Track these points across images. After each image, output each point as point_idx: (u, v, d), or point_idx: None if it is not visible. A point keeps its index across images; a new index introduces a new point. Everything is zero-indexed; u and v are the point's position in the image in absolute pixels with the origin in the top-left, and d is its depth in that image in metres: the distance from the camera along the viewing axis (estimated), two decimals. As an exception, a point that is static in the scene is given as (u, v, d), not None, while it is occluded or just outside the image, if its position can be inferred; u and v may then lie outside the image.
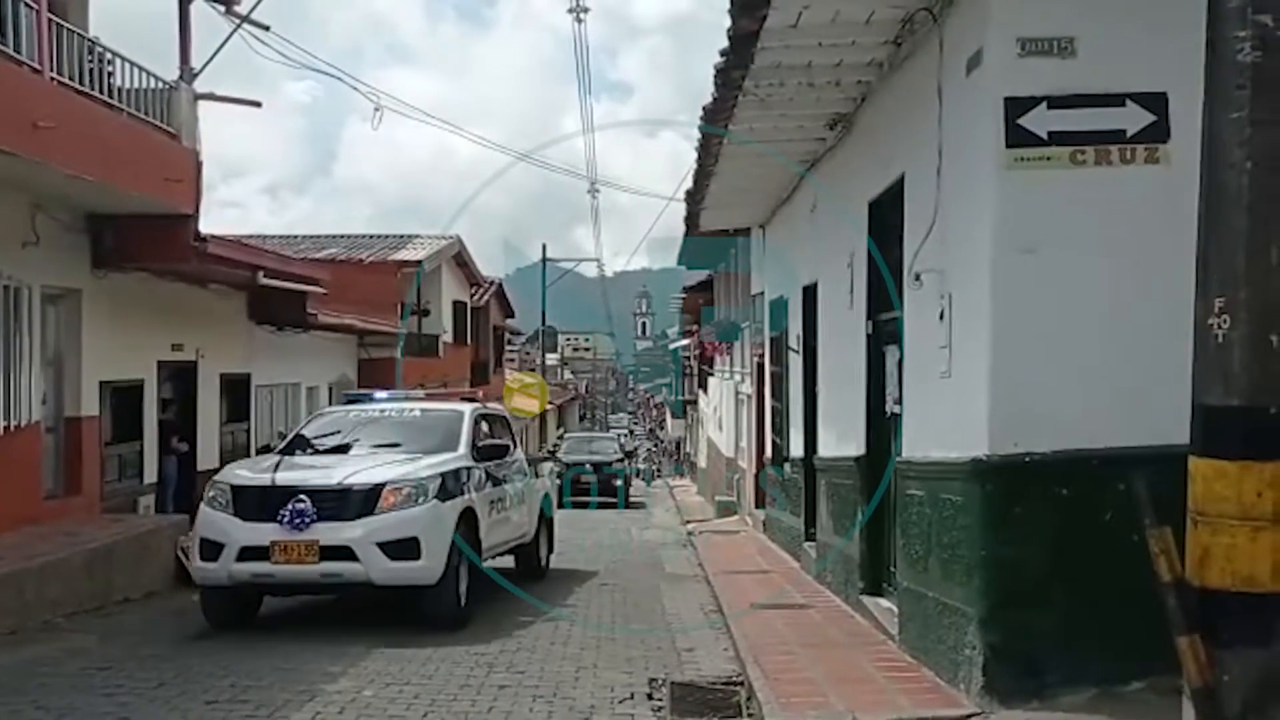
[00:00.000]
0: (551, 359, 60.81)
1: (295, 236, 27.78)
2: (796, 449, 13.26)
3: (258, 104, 13.76)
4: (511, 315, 41.43)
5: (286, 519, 8.57)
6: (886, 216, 8.67)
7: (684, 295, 30.90)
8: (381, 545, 8.63)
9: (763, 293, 16.95)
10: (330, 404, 21.83)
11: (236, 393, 17.00)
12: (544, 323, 46.93)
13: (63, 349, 12.31)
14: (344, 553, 8.62)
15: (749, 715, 6.42)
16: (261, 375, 17.88)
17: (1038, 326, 5.90)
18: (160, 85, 12.41)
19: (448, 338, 29.03)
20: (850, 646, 7.87)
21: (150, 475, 14.15)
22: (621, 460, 30.38)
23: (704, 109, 9.94)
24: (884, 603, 8.65)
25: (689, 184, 13.76)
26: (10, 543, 10.00)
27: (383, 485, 8.82)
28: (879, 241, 8.96)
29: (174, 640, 8.62)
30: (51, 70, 10.08)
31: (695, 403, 38.92)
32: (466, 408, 11.22)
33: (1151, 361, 5.70)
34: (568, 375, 79.01)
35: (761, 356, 17.36)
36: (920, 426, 7.31)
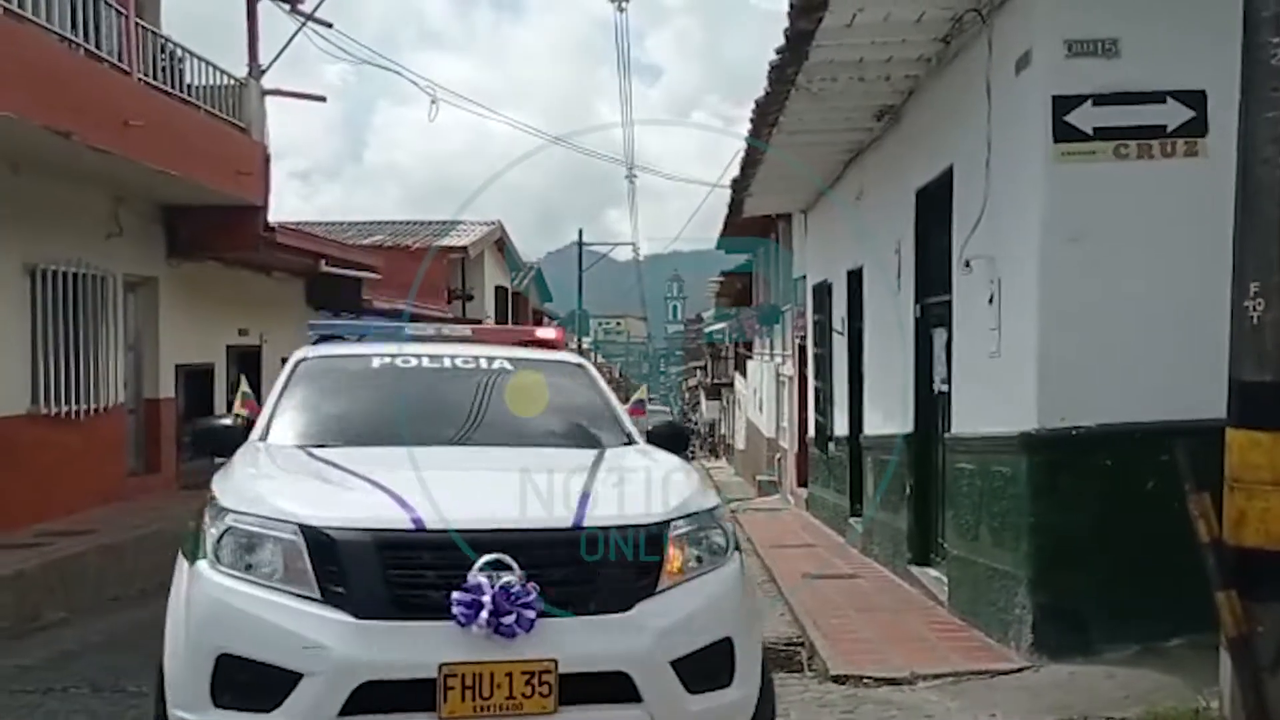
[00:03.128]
0: (587, 343, 61.42)
1: (341, 223, 28.41)
2: (841, 428, 13.71)
3: (322, 99, 14.33)
4: (550, 299, 41.98)
5: (477, 614, 3.66)
6: (934, 205, 9.09)
7: (722, 279, 31.30)
8: (681, 665, 3.92)
9: (804, 276, 17.35)
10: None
11: (296, 376, 17.61)
12: (580, 306, 47.47)
13: (141, 334, 12.94)
14: (609, 686, 3.83)
15: (812, 671, 6.91)
16: (319, 359, 18.49)
17: (1082, 309, 6.33)
18: (230, 81, 12.97)
19: (490, 322, 29.62)
20: (901, 611, 8.34)
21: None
22: None
23: (756, 102, 10.38)
24: (932, 572, 9.11)
25: (731, 170, 14.22)
26: (102, 516, 10.65)
27: (663, 526, 4.07)
28: (927, 229, 9.39)
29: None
30: (138, 70, 10.65)
31: (731, 385, 39.37)
32: (575, 358, 6.68)
33: (1187, 342, 6.14)
34: (599, 359, 79.55)
35: (803, 339, 17.79)
36: (970, 404, 7.76)
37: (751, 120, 11.15)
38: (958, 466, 7.86)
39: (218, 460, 4.88)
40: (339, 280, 16.94)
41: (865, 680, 6.32)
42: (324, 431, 5.07)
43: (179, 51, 12.30)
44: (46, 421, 10.51)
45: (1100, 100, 6.30)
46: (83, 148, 9.38)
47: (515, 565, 3.70)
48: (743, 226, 22.26)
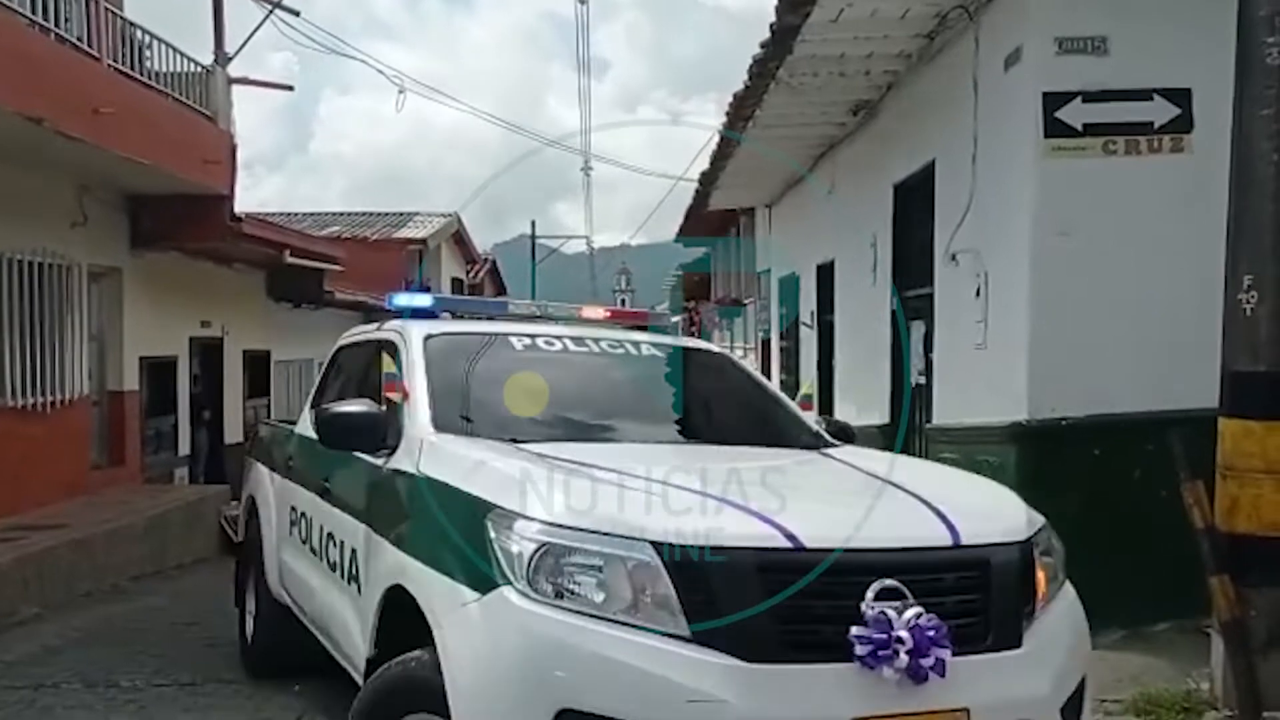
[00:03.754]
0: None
1: (296, 214, 28.09)
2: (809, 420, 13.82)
3: (290, 88, 14.20)
4: (504, 292, 41.82)
5: (891, 655, 2.97)
6: (913, 199, 9.22)
7: (680, 273, 31.35)
8: (1066, 711, 3.40)
9: (769, 270, 17.47)
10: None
11: (257, 368, 17.41)
12: (534, 299, 47.24)
13: (105, 326, 12.71)
14: None
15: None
16: (280, 351, 18.31)
17: (1071, 302, 6.46)
18: (196, 69, 12.77)
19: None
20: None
21: (184, 448, 14.61)
22: None
23: (735, 96, 10.45)
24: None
25: (696, 165, 14.31)
26: (70, 510, 10.46)
27: (1030, 543, 3.52)
28: (905, 223, 9.52)
29: (243, 600, 9.07)
30: (107, 56, 10.46)
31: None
32: (713, 345, 6.92)
33: (1174, 334, 6.29)
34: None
35: (767, 332, 17.91)
36: (953, 395, 7.88)
37: (727, 114, 11.21)
38: (940, 456, 7.95)
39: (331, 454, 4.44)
40: (301, 272, 16.74)
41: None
42: (506, 424, 4.17)
43: (144, 37, 12.10)
44: (12, 414, 10.30)
45: (1090, 97, 6.43)
46: (52, 135, 9.20)
47: (909, 593, 3.00)
48: (703, 221, 22.39)
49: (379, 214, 28.38)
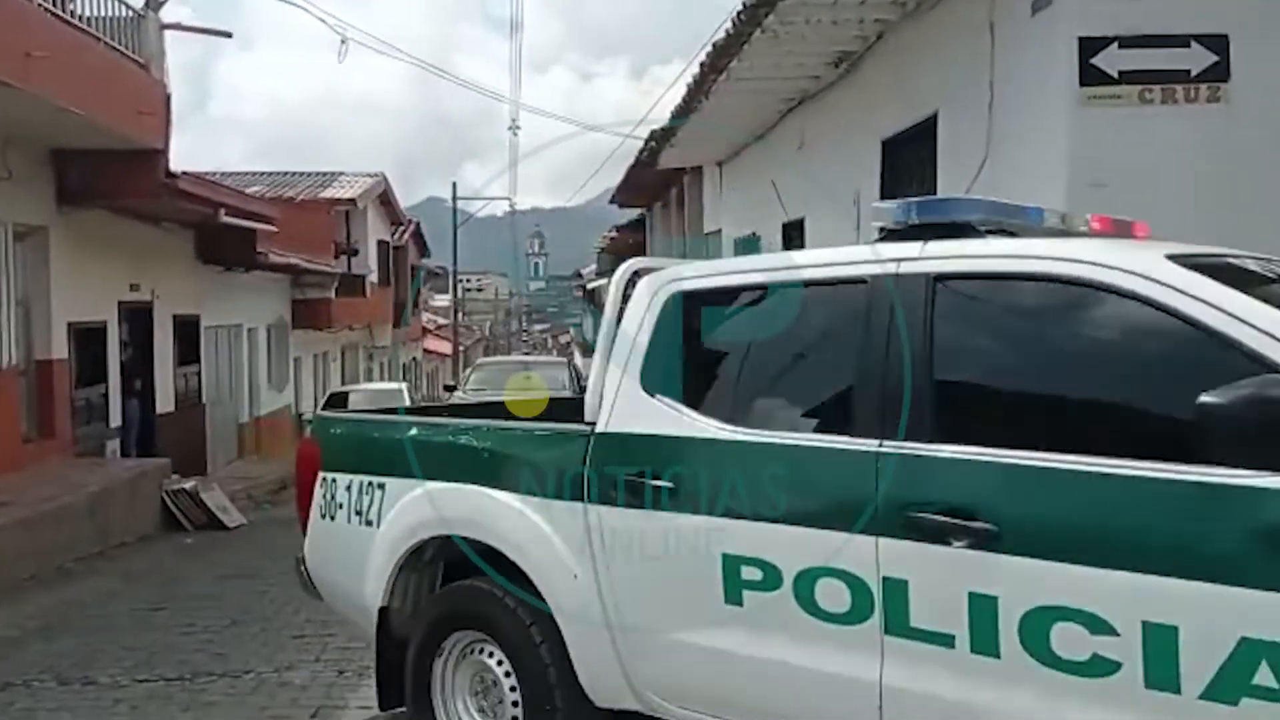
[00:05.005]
0: (444, 300, 60.39)
1: (215, 173, 26.96)
2: (772, 383, 13.57)
3: (228, 34, 13.28)
4: (428, 254, 41.00)
5: None
6: (906, 154, 8.90)
7: (614, 234, 30.87)
8: None
9: (719, 230, 17.12)
10: (270, 344, 21.42)
11: (187, 334, 16.58)
12: (455, 263, 46.42)
13: (30, 290, 11.89)
14: None
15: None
16: (210, 316, 17.48)
17: (1107, 257, 6.20)
18: (127, 13, 11.93)
19: (373, 277, 28.63)
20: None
21: (115, 419, 13.82)
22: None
23: (714, 45, 10.03)
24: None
25: (619, 122, 13.81)
26: (7, 487, 9.74)
27: None
28: (895, 178, 9.21)
29: (205, 580, 8.53)
30: (37, -4, 9.65)
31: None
32: None
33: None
34: (463, 317, 78.38)
35: (718, 293, 17.55)
36: (963, 355, 7.61)
37: (702, 65, 10.79)
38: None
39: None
40: (233, 233, 15.92)
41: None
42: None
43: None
44: (-62, 385, 9.54)
45: (1126, 43, 6.14)
46: (-20, 80, 8.44)
47: None
48: (640, 182, 21.97)
49: (302, 173, 27.39)
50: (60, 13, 9.93)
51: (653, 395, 3.48)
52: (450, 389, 18.98)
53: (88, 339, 13.11)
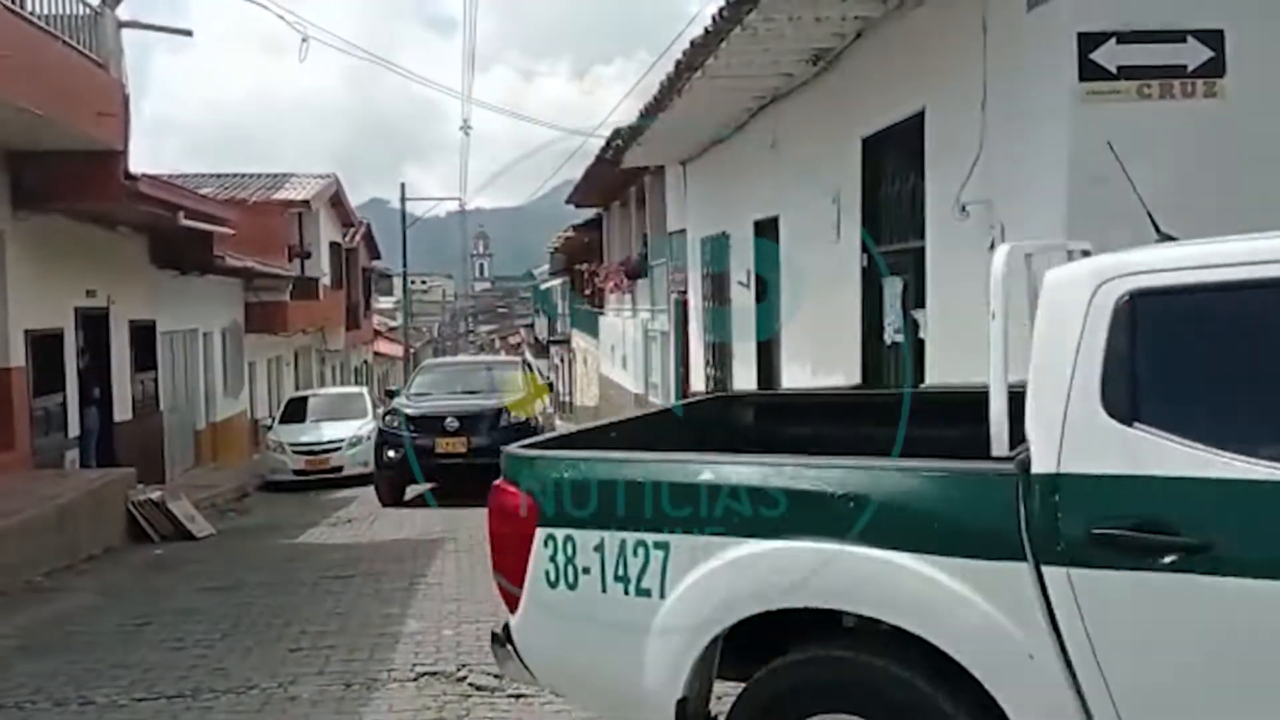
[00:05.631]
0: (388, 302, 59.82)
1: (162, 176, 26.44)
2: (745, 381, 13.55)
3: (189, 33, 13.00)
4: (378, 257, 40.57)
5: None
6: (889, 152, 8.91)
7: (570, 234, 30.72)
8: None
9: (684, 230, 17.08)
10: (224, 349, 21.03)
11: (143, 340, 16.21)
12: (405, 264, 45.92)
13: (-14, 296, 11.54)
14: None
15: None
16: (165, 321, 17.10)
17: (1109, 252, 6.21)
18: (84, 10, 11.60)
19: (326, 280, 28.24)
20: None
21: (74, 428, 13.46)
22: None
23: (691, 43, 9.98)
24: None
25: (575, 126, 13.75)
26: (-32, 501, 9.43)
27: None
28: (876, 176, 9.21)
29: (186, 593, 8.31)
30: (-6, -7, 9.34)
31: (568, 342, 38.95)
32: None
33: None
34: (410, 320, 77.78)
35: (683, 293, 17.53)
36: (957, 355, 7.58)
37: (678, 63, 10.74)
38: (943, 417, 7.70)
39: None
40: (190, 235, 15.58)
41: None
42: None
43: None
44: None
45: (1124, 38, 6.16)
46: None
47: None
48: (598, 182, 21.89)
49: (253, 175, 26.96)
50: (18, 10, 9.63)
51: (1129, 424, 2.77)
52: (392, 394, 17.05)
53: (45, 346, 12.76)
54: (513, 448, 3.66)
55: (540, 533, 3.39)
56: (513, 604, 3.52)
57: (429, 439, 13.74)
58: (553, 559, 3.37)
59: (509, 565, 3.52)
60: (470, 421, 14.04)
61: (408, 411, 14.41)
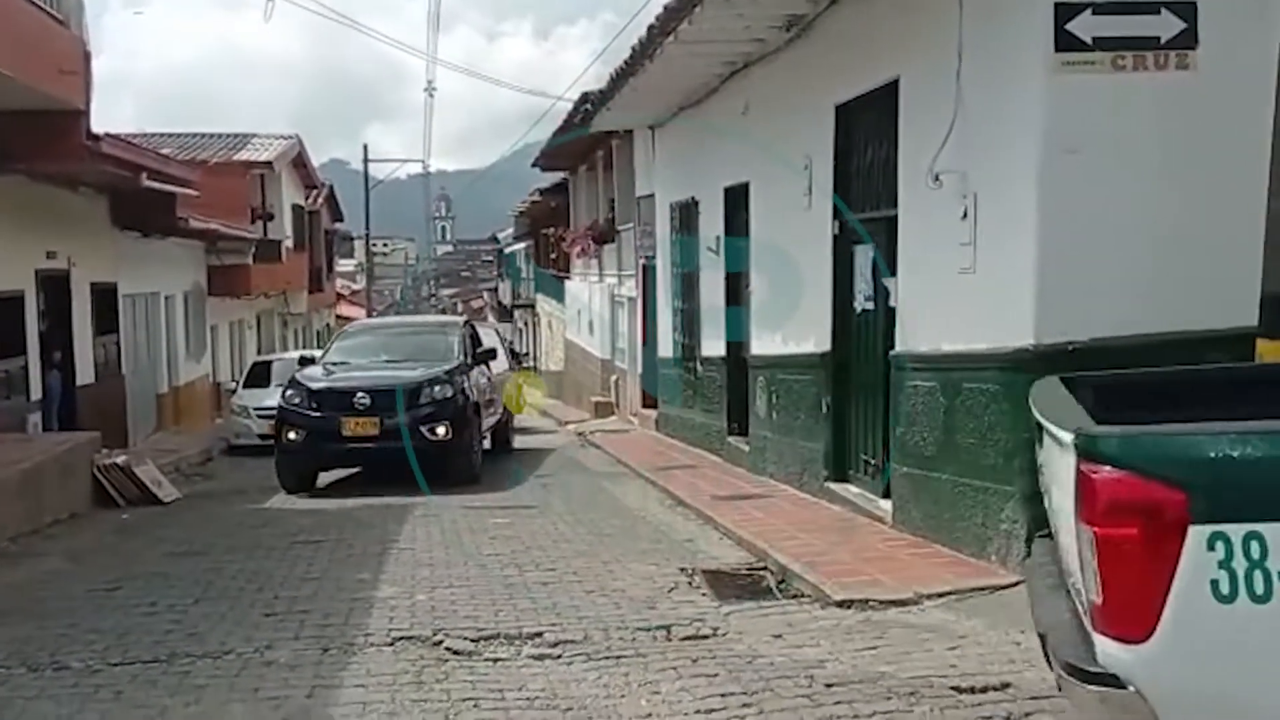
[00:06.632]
0: (349, 265, 59.35)
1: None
2: (713, 349, 13.60)
3: (151, -9, 12.74)
4: (341, 219, 40.17)
5: None
6: (862, 120, 8.94)
7: (537, 198, 30.57)
8: None
9: (652, 195, 17.04)
10: (187, 312, 20.81)
11: (105, 303, 16.01)
12: (368, 227, 45.52)
13: (-56, 258, 11.34)
14: None
15: (793, 596, 6.72)
16: (127, 284, 16.90)
17: (1080, 223, 6.28)
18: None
19: (289, 243, 27.95)
20: (847, 530, 8.28)
21: (36, 392, 13.30)
22: (461, 374, 13.01)
23: (665, 7, 9.94)
24: (853, 488, 9.12)
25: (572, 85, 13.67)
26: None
27: None
28: (849, 144, 9.24)
29: (155, 558, 8.27)
30: (-48, -54, 9.12)
31: (533, 306, 38.85)
32: None
33: (1178, 253, 6.21)
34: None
35: (650, 258, 17.51)
36: (928, 322, 7.66)
37: (651, 28, 10.70)
38: (912, 385, 7.79)
39: None
40: (152, 197, 15.37)
41: (871, 604, 6.18)
42: None
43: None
44: None
45: (1099, 9, 6.21)
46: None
47: None
48: (564, 147, 21.79)
49: (213, 135, 26.59)
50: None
51: None
52: (307, 360, 14.41)
53: (4, 310, 12.59)
54: (1131, 430, 2.88)
55: (1197, 532, 2.72)
56: (1120, 626, 2.81)
57: (334, 419, 11.75)
58: (1224, 564, 2.71)
59: (1127, 578, 2.78)
60: (384, 397, 11.82)
61: (311, 386, 12.23)
